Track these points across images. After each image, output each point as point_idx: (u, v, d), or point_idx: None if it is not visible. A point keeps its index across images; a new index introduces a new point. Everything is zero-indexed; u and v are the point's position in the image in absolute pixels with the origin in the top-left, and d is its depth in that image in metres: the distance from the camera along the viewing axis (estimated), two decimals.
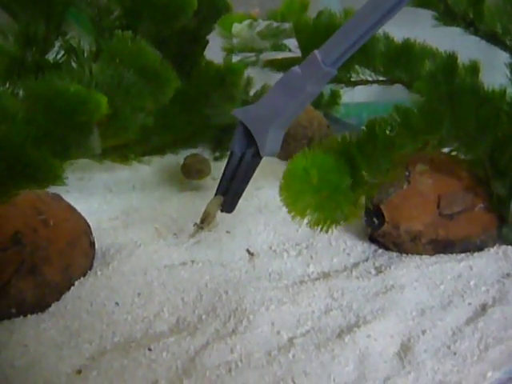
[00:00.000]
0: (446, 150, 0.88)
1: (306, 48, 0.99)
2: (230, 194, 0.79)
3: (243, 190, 0.79)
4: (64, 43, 0.80)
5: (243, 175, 0.78)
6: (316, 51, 0.69)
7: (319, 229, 0.73)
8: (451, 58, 0.78)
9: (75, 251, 0.76)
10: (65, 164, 0.90)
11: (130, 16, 0.80)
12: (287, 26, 1.22)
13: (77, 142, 0.60)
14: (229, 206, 0.80)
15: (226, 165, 0.79)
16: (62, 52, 0.83)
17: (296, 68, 0.71)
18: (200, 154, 1.13)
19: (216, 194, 0.80)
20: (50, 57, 0.85)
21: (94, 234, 0.83)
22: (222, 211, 0.81)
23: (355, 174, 0.75)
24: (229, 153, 0.79)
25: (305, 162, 0.71)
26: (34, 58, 0.81)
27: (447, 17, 0.82)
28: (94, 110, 0.59)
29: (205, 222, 0.82)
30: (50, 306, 0.72)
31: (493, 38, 0.79)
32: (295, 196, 0.72)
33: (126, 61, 0.65)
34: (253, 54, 1.26)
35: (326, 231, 0.74)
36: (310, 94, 0.72)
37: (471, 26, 0.80)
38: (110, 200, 1.06)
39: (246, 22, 1.27)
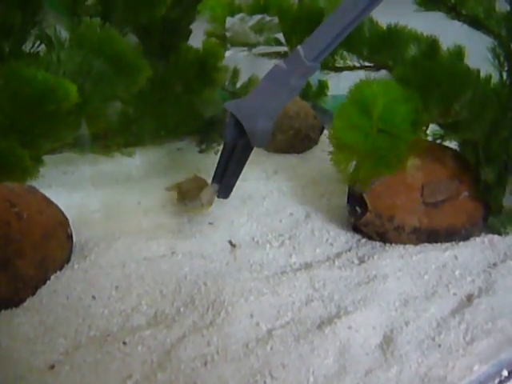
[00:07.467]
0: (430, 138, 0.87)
1: (290, 34, 0.98)
2: (224, 182, 0.84)
3: (237, 178, 0.84)
4: (40, 32, 0.77)
5: (236, 164, 0.82)
6: (299, 47, 0.72)
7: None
8: (432, 44, 0.76)
9: (51, 244, 0.74)
10: (46, 157, 0.89)
11: (104, 3, 0.78)
12: None
13: (46, 131, 0.58)
14: (224, 192, 0.85)
15: (221, 154, 0.83)
16: (39, 42, 0.80)
17: (281, 63, 0.74)
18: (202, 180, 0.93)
19: (212, 182, 0.85)
20: (28, 47, 0.83)
21: (74, 227, 0.81)
22: (218, 197, 0.85)
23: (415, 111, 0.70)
24: (214, 145, 0.86)
25: (371, 89, 0.68)
26: (12, 49, 0.78)
27: (428, 1, 0.81)
28: (63, 99, 0.57)
29: (191, 203, 0.85)
30: (24, 300, 0.70)
31: (475, 23, 0.78)
32: (350, 128, 0.67)
33: (94, 48, 0.63)
34: (245, 48, 1.24)
35: (366, 181, 0.70)
36: (294, 87, 0.75)
37: (453, 10, 0.78)
38: (92, 193, 1.04)
39: (239, 15, 1.26)
